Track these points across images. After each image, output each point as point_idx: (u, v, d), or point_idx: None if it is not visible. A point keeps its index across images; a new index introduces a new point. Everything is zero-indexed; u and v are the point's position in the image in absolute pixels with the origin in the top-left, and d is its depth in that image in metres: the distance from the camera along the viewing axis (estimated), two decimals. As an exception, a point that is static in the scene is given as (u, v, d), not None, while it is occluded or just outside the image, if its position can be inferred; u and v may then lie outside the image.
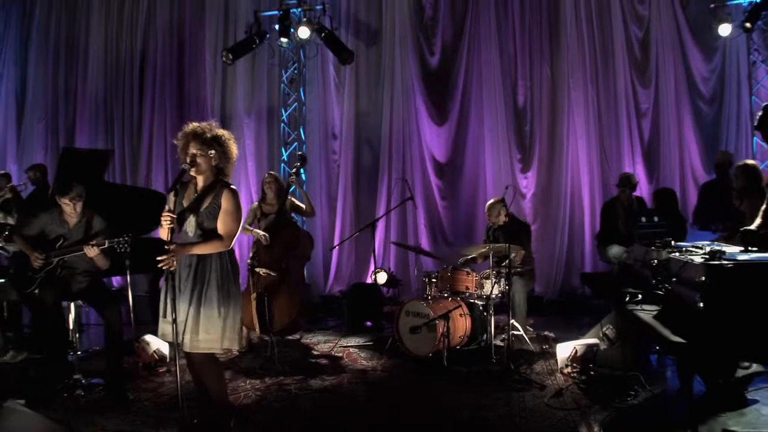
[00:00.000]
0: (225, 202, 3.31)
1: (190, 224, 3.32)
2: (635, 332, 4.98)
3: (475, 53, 7.72)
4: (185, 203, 3.36)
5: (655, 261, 3.67)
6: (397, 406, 4.26)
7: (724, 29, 6.80)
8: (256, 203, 5.97)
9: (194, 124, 3.38)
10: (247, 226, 5.70)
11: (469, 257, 5.94)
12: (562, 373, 4.88)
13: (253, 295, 5.35)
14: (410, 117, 7.80)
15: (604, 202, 6.52)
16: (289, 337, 5.95)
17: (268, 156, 8.11)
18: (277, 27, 7.33)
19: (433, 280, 5.65)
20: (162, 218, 3.16)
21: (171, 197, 3.40)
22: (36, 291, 4.47)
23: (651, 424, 3.94)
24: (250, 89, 8.16)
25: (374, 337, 6.04)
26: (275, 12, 7.52)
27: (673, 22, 7.36)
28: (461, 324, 5.35)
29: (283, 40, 7.29)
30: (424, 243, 7.65)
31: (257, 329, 5.37)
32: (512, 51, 7.69)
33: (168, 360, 5.11)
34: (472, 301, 5.54)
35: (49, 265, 4.47)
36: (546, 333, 6.08)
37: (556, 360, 5.20)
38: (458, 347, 5.38)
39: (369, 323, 6.59)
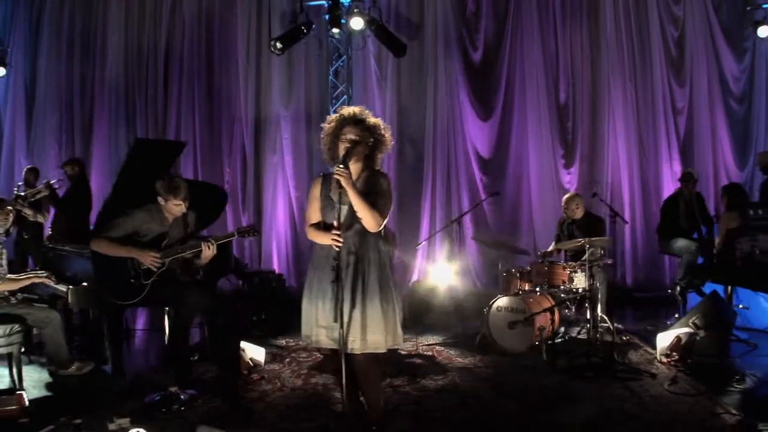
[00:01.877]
0: (380, 185, 3.15)
1: (344, 217, 3.10)
2: (724, 321, 5.21)
3: (518, 49, 7.80)
4: (333, 197, 3.13)
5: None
6: (528, 402, 4.22)
7: (763, 31, 7.15)
8: None
9: (350, 108, 3.18)
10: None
11: (548, 251, 6.01)
12: (661, 362, 4.99)
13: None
14: (454, 112, 7.79)
15: (666, 198, 6.72)
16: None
17: (307, 150, 7.89)
18: (327, 17, 7.12)
19: (524, 274, 5.66)
20: (331, 239, 2.95)
21: (315, 191, 3.21)
22: (138, 300, 4.11)
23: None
24: (287, 82, 7.91)
25: (453, 334, 5.98)
26: (321, 2, 7.30)
27: (706, 23, 7.69)
28: (554, 318, 5.42)
29: (335, 30, 7.10)
30: (469, 238, 7.65)
31: None
32: (553, 48, 7.81)
33: (262, 367, 4.89)
34: (559, 294, 5.59)
35: (162, 267, 4.07)
36: (615, 324, 6.19)
37: (645, 349, 5.34)
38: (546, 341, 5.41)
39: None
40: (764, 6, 7.34)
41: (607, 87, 7.71)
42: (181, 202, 4.09)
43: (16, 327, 4.21)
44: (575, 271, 5.53)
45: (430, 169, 7.80)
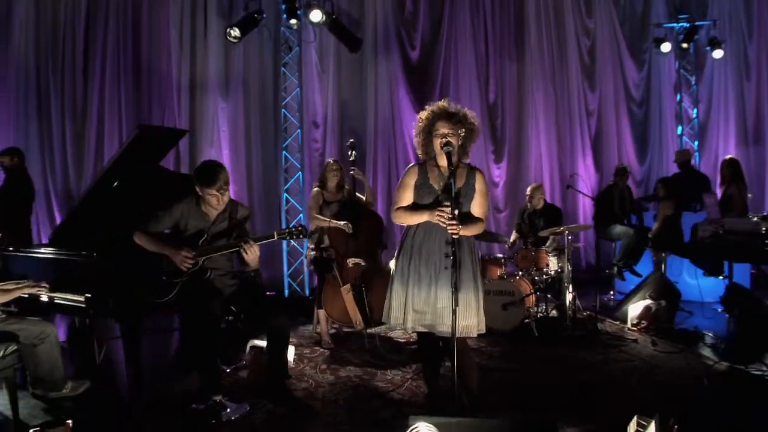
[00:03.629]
0: (479, 183, 3.19)
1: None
2: (673, 293, 5.98)
3: (452, 50, 8.17)
4: (435, 185, 3.14)
5: (765, 229, 4.55)
6: (557, 371, 4.50)
7: (665, 47, 8.31)
8: (317, 190, 5.41)
9: (439, 102, 3.18)
10: (319, 216, 5.25)
11: (511, 240, 6.45)
12: (631, 330, 5.62)
13: (347, 287, 5.02)
14: (394, 108, 7.94)
15: (601, 190, 7.48)
16: (346, 329, 5.72)
17: (246, 143, 7.50)
18: (283, 7, 6.84)
19: (506, 259, 5.98)
20: (449, 228, 2.90)
21: (411, 179, 3.17)
22: (169, 299, 3.69)
23: (744, 352, 4.65)
24: (224, 72, 7.44)
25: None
26: (272, -9, 7.02)
27: (613, 35, 8.73)
28: (534, 298, 5.83)
29: (293, 21, 6.85)
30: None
31: (360, 323, 5.02)
32: (483, 51, 8.30)
33: (290, 366, 4.61)
34: (534, 277, 5.99)
35: (194, 266, 3.70)
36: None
37: (610, 321, 5.97)
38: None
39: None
40: (665, 25, 8.56)
41: (530, 89, 8.39)
42: (215, 193, 3.72)
43: (11, 347, 3.46)
44: (550, 256, 5.99)
45: (371, 163, 7.87)
